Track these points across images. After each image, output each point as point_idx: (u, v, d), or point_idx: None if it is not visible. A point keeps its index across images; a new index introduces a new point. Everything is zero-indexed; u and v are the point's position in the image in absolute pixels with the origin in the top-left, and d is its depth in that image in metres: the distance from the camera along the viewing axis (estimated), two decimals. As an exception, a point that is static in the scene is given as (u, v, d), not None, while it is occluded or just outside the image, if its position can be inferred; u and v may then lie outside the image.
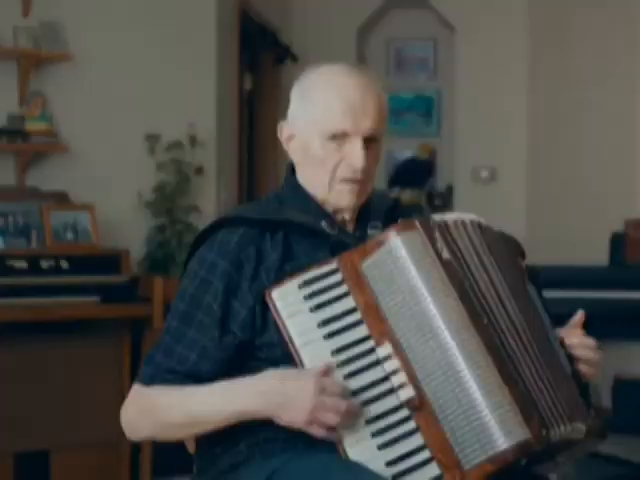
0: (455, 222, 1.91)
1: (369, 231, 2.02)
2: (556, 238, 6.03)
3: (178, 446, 2.07)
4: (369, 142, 1.97)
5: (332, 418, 1.77)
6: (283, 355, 1.87)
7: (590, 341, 1.99)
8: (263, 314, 1.90)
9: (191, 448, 2.06)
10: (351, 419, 1.79)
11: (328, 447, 1.81)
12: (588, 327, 2.03)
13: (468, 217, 1.94)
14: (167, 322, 1.96)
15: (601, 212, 5.93)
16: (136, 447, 4.27)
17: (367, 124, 1.95)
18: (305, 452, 1.84)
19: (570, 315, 2.04)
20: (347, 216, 2.03)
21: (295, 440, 1.85)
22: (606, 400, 5.52)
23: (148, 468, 4.32)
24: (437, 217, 1.91)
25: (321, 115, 1.96)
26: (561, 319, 2.03)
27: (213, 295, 1.92)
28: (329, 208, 2.02)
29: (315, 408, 1.77)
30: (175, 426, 1.90)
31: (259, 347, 1.91)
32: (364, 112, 1.95)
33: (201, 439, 1.97)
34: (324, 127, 1.96)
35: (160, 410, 1.90)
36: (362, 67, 2.05)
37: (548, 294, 2.07)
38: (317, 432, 1.79)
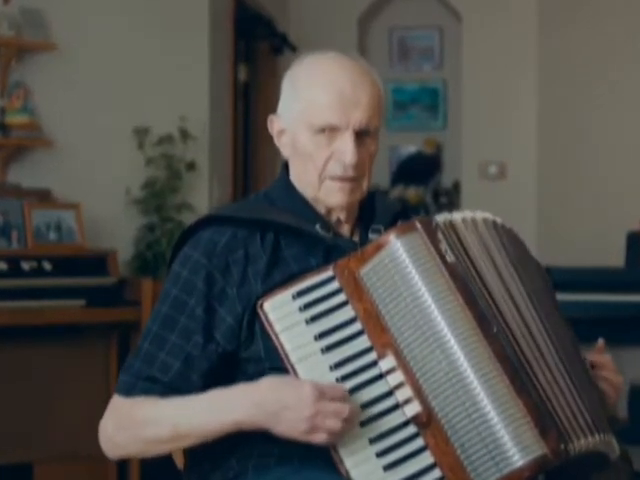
0: (464, 220, 1.86)
1: (370, 235, 1.95)
2: (569, 238, 6.04)
3: (167, 460, 2.00)
4: (362, 136, 1.90)
5: (335, 423, 1.70)
6: (271, 370, 1.80)
7: (613, 365, 1.98)
8: (250, 324, 1.84)
9: (180, 464, 1.99)
10: (354, 424, 1.72)
11: (325, 463, 1.75)
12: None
13: (481, 215, 1.89)
14: (147, 326, 1.89)
15: (616, 210, 5.90)
16: (123, 460, 4.26)
17: (358, 116, 1.88)
18: (301, 468, 1.79)
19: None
20: (342, 216, 1.96)
21: (290, 455, 1.80)
22: (622, 409, 5.40)
23: (136, 482, 4.33)
24: (442, 216, 1.85)
25: (308, 107, 1.90)
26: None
27: (197, 298, 1.86)
28: (321, 207, 1.95)
29: (315, 415, 1.70)
30: (159, 441, 1.83)
31: (246, 360, 1.85)
32: (355, 103, 1.88)
33: (190, 454, 1.92)
34: (312, 120, 1.89)
35: (142, 424, 1.83)
36: (355, 55, 1.98)
37: (560, 297, 2.03)
38: (319, 439, 1.72)
